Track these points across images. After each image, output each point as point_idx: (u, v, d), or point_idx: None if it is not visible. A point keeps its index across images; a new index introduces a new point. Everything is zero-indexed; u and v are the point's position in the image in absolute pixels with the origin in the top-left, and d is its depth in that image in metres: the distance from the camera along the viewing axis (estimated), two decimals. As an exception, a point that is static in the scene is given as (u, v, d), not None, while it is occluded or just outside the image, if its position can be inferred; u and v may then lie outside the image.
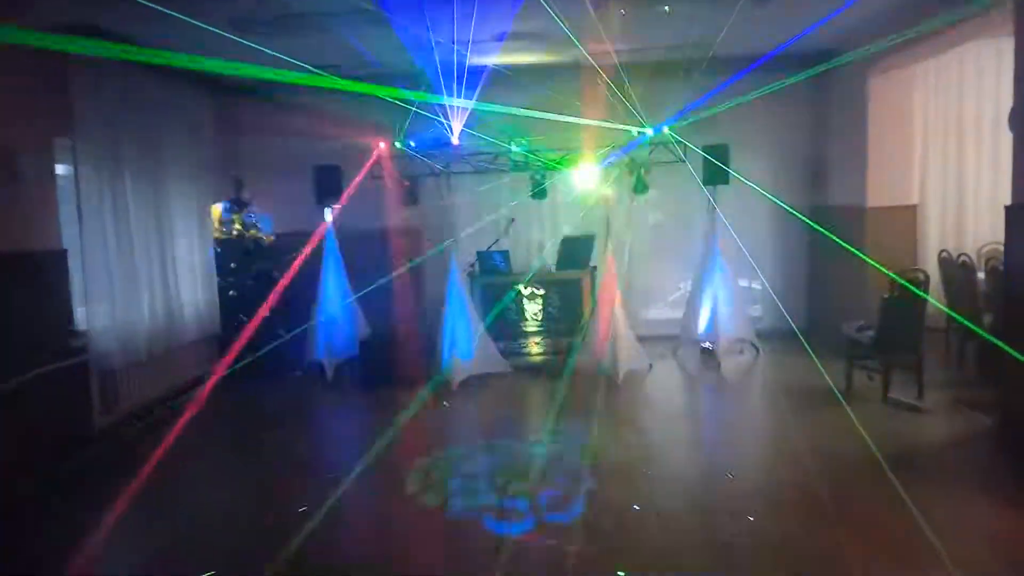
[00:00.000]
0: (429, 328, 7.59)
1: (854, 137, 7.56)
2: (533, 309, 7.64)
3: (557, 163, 7.48)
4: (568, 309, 7.61)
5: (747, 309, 8.02)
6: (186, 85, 7.46)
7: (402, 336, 7.33)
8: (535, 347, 7.67)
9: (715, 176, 7.27)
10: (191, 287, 7.33)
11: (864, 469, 4.68)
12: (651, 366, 7.34)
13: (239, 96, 8.34)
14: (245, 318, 7.84)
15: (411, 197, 7.55)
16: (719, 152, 7.23)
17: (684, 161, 7.38)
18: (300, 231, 7.58)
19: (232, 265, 7.85)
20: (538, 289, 7.64)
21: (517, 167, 7.48)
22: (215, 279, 7.77)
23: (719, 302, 7.49)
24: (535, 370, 7.42)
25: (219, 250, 7.88)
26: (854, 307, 7.18)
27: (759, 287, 8.90)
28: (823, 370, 6.90)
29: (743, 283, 8.62)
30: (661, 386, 7.01)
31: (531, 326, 7.67)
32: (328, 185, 7.45)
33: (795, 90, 8.34)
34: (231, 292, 7.78)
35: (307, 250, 6.23)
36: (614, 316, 7.03)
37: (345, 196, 7.45)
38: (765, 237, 8.66)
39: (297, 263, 6.02)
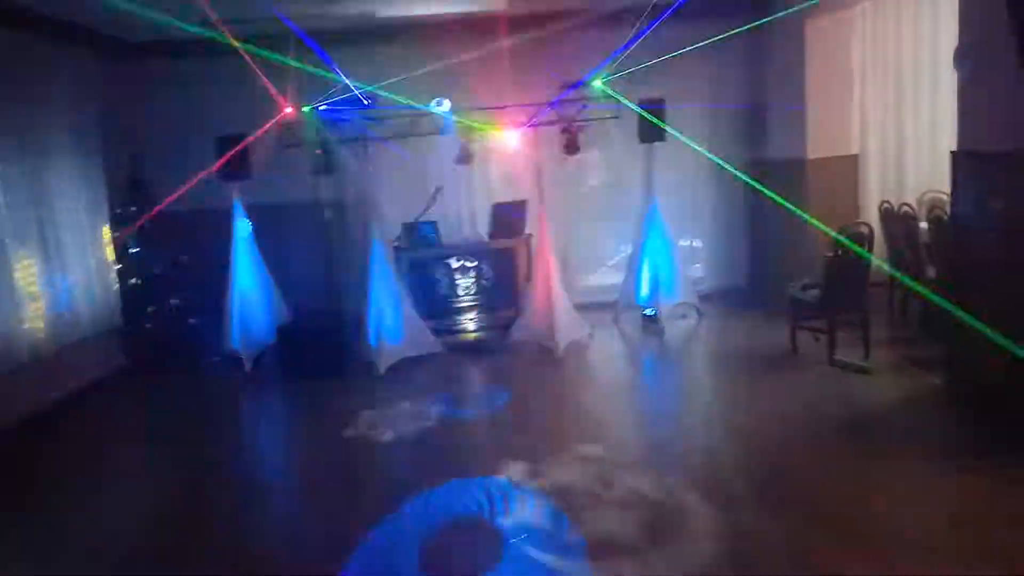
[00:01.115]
0: (354, 310, 7.04)
1: (792, 86, 7.24)
2: (465, 283, 7.15)
3: (483, 124, 6.95)
4: (503, 281, 7.16)
5: (689, 271, 7.72)
6: (67, 48, 6.61)
7: (325, 320, 6.79)
8: (469, 323, 7.20)
9: (651, 133, 6.88)
10: (83, 278, 6.62)
11: (812, 436, 4.49)
12: (591, 335, 7.00)
13: (133, 62, 7.50)
14: (152, 309, 7.20)
15: (326, 166, 6.89)
16: (655, 107, 6.83)
17: (618, 117, 6.96)
18: (205, 209, 6.90)
19: (133, 251, 7.14)
20: (469, 261, 7.15)
21: (440, 130, 6.92)
22: (112, 268, 7.06)
23: (660, 265, 7.16)
24: (470, 348, 6.98)
25: (117, 235, 7.16)
26: (798, 264, 6.94)
27: (700, 245, 8.63)
28: (768, 332, 6.70)
29: (684, 243, 8.32)
30: (603, 356, 6.68)
31: (464, 301, 7.20)
32: (233, 157, 6.72)
33: (730, 39, 7.98)
34: (133, 280, 7.09)
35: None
36: (551, 285, 6.64)
37: (253, 168, 6.78)
38: (705, 194, 8.34)
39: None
